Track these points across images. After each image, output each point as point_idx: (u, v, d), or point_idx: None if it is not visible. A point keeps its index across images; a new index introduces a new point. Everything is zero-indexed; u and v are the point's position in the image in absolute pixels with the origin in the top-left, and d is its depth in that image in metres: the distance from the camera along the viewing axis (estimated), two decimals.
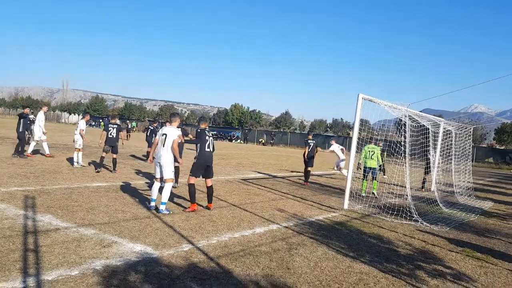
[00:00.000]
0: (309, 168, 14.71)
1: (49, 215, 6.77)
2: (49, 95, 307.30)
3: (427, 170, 15.51)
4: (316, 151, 15.10)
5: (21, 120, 15.25)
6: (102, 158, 12.81)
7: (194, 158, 8.28)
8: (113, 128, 13.02)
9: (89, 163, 14.26)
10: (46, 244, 5.26)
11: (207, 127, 8.66)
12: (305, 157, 14.66)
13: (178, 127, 8.36)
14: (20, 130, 15.09)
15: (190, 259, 5.18)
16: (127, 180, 11.40)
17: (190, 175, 8.22)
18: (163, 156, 7.85)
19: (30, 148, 15.29)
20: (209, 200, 8.49)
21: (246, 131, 65.64)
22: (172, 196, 9.49)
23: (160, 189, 7.94)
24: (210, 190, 8.46)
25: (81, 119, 14.71)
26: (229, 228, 7.03)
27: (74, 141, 13.91)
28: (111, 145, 12.92)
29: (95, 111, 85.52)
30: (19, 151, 14.51)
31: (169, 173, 7.88)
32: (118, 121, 13.98)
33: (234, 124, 71.92)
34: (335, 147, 16.81)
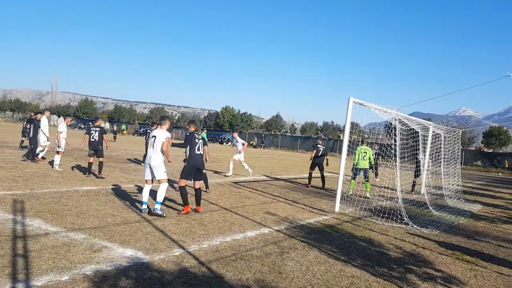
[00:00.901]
0: (312, 171, 15.07)
1: (38, 219, 6.69)
2: (38, 97, 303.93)
3: (417, 173, 15.63)
4: (327, 160, 15.15)
5: (31, 125, 15.16)
6: (89, 163, 12.45)
7: (184, 161, 8.29)
8: (96, 131, 12.52)
9: (72, 168, 14.10)
10: (36, 249, 5.20)
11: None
12: (312, 160, 14.88)
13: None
14: (31, 135, 15.13)
15: (181, 264, 5.15)
16: (117, 184, 11.32)
17: (180, 178, 8.33)
18: (153, 157, 7.93)
19: (41, 153, 15.18)
20: (198, 203, 8.57)
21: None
22: (164, 199, 9.48)
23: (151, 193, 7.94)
24: (198, 193, 8.55)
25: (62, 121, 14.40)
26: (220, 232, 7.00)
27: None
28: (94, 149, 12.41)
29: (85, 113, 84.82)
30: (30, 156, 14.59)
31: (161, 174, 7.97)
32: (102, 124, 13.59)
33: (225, 126, 71.83)
34: (240, 141, 16.55)
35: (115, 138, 40.60)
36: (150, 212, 7.79)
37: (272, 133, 68.20)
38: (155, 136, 7.99)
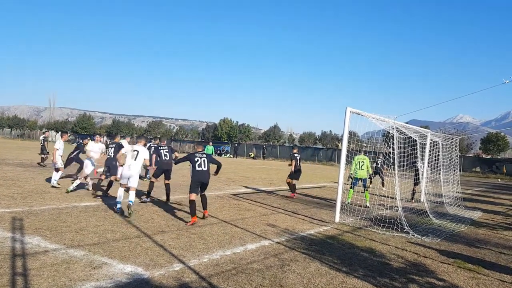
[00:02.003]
0: (294, 181, 14.70)
1: (37, 237, 6.66)
2: (36, 113, 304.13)
3: (417, 181, 15.62)
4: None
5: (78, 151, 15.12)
6: (99, 180, 12.09)
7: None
8: (112, 147, 12.21)
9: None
10: (35, 267, 5.16)
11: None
12: (293, 170, 14.56)
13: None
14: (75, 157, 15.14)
15: (181, 279, 5.12)
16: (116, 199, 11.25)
17: (189, 192, 9.02)
18: (132, 167, 9.38)
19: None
20: (204, 207, 9.40)
21: (236, 145, 65.59)
22: (173, 212, 9.47)
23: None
24: (203, 198, 9.43)
25: (59, 137, 14.03)
26: (220, 245, 6.97)
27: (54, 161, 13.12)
28: (108, 165, 11.95)
29: (83, 129, 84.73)
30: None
31: (136, 182, 9.44)
32: (121, 141, 13.29)
33: (223, 138, 71.81)
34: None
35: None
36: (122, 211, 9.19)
37: (271, 143, 68.19)
38: (137, 151, 9.53)
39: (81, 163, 14.04)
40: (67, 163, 14.59)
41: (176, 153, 12.19)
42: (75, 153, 14.94)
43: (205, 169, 9.23)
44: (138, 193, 11.18)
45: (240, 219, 9.56)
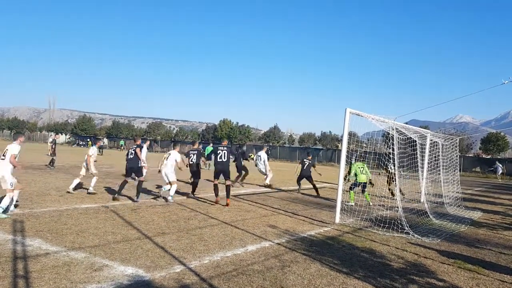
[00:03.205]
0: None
1: (38, 239, 6.68)
2: (36, 115, 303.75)
3: (390, 181, 15.36)
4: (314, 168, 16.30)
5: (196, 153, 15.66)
6: (194, 183, 13.40)
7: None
8: (193, 154, 13.43)
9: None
10: (36, 269, 5.18)
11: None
12: (301, 174, 16.18)
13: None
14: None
15: (182, 280, 5.14)
16: (116, 201, 11.28)
17: (213, 178, 11.72)
18: (167, 167, 11.78)
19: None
20: (227, 196, 11.42)
21: (238, 146, 65.72)
22: (174, 213, 9.49)
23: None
24: (227, 188, 11.49)
25: (92, 145, 13.84)
26: (221, 247, 6.99)
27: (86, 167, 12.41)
28: (192, 170, 13.38)
29: (83, 130, 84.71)
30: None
31: (172, 178, 11.71)
32: (196, 146, 14.60)
33: (223, 139, 71.91)
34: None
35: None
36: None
37: (271, 144, 68.23)
38: (170, 153, 12.01)
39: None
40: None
41: (203, 158, 14.42)
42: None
43: (225, 160, 11.44)
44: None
45: (241, 220, 9.57)
